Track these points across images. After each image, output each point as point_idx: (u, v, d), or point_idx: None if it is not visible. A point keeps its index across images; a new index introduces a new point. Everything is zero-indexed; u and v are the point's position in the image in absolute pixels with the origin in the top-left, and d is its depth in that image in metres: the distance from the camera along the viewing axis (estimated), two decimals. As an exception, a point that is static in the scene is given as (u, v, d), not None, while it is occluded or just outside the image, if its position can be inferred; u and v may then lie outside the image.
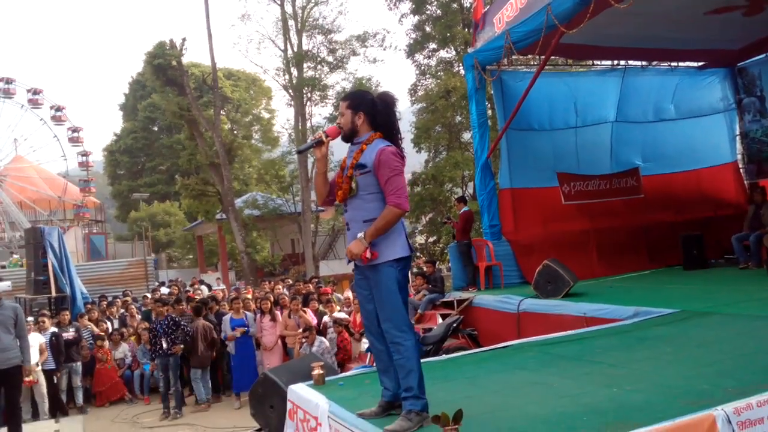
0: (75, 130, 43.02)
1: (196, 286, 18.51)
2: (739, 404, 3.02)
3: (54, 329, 9.88)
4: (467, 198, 14.66)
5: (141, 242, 26.29)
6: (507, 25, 9.66)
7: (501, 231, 10.70)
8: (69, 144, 42.92)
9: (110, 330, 11.43)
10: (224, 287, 20.24)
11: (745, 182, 12.80)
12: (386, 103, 3.43)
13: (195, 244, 35.10)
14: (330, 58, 24.27)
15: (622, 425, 2.95)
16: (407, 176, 22.25)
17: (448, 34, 21.86)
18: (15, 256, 27.63)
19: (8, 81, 41.27)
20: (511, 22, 9.55)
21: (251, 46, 35.59)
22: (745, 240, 9.36)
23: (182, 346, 9.31)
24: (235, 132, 31.13)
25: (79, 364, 9.95)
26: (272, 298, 10.36)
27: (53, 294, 13.26)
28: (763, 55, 12.13)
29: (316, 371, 4.47)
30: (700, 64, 12.59)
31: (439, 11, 22.71)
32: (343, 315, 9.95)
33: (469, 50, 12.24)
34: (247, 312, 9.95)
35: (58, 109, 42.69)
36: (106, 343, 10.77)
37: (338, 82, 24.85)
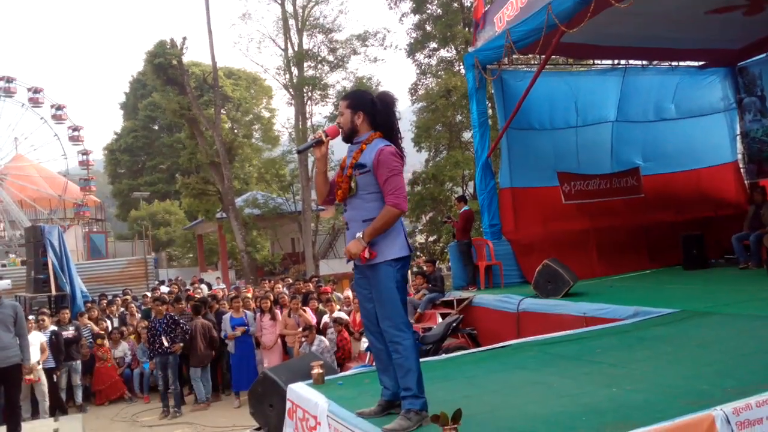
0: (75, 128, 43.06)
1: (196, 285, 18.52)
2: (738, 404, 3.02)
3: (54, 328, 9.88)
4: (467, 197, 14.65)
5: (141, 241, 26.31)
6: (507, 24, 9.66)
7: (501, 230, 10.70)
8: (69, 143, 43.00)
9: (110, 329, 11.44)
10: (224, 286, 20.25)
11: (746, 182, 12.80)
12: (386, 102, 3.43)
13: (195, 243, 35.12)
14: (330, 58, 24.28)
15: (621, 425, 2.95)
16: (408, 175, 22.36)
17: (449, 34, 21.84)
18: (12, 255, 27.59)
19: (9, 80, 41.31)
20: (512, 21, 9.55)
21: (252, 45, 35.71)
22: (745, 240, 9.35)
23: (182, 344, 9.31)
24: (236, 131, 31.13)
25: (78, 362, 9.95)
26: (272, 297, 10.36)
27: (53, 292, 13.27)
28: (763, 55, 12.12)
29: (316, 370, 4.47)
30: (701, 63, 12.59)
31: (439, 10, 22.70)
32: (342, 314, 9.94)
33: (470, 49, 12.24)
34: (246, 311, 9.95)
35: (59, 107, 42.72)
36: (106, 342, 10.77)
37: (339, 81, 24.87)
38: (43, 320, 9.86)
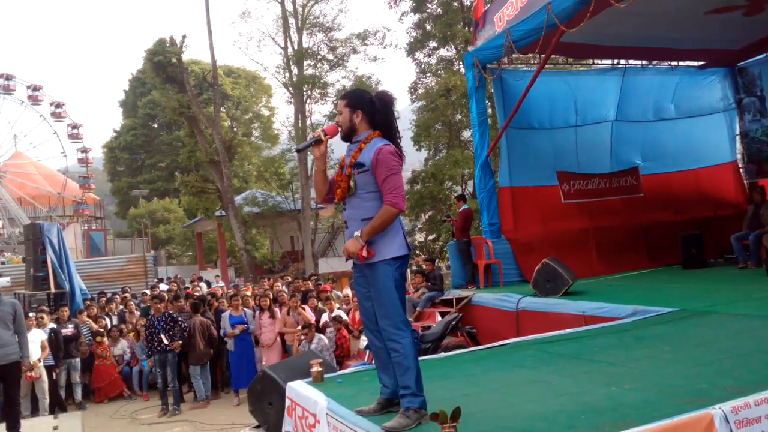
0: (75, 126, 43.06)
1: (196, 283, 18.51)
2: (737, 403, 3.02)
3: (53, 325, 9.88)
4: (467, 196, 14.67)
5: (140, 239, 26.29)
6: (507, 23, 9.66)
7: (500, 229, 10.71)
8: (69, 140, 43.04)
9: (109, 326, 11.44)
10: (223, 284, 20.24)
11: (745, 182, 12.81)
12: (384, 102, 3.43)
13: (194, 241, 35.11)
14: (330, 56, 24.28)
15: (620, 424, 2.95)
16: (407, 174, 22.38)
17: (449, 33, 21.85)
18: (8, 254, 27.52)
19: (8, 77, 41.30)
20: (512, 20, 9.55)
21: (251, 44, 35.47)
22: (744, 239, 9.36)
23: (180, 342, 9.32)
24: (235, 129, 31.17)
25: (78, 360, 9.96)
26: (271, 296, 10.36)
27: (52, 290, 13.26)
28: (763, 55, 12.13)
29: (315, 368, 4.47)
30: (701, 63, 12.59)
31: (439, 9, 22.70)
32: (341, 313, 9.95)
33: (470, 49, 12.24)
34: (246, 309, 9.96)
35: (58, 105, 42.72)
36: (105, 340, 10.78)
37: (338, 80, 24.87)
38: (42, 318, 9.86)
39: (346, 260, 3.45)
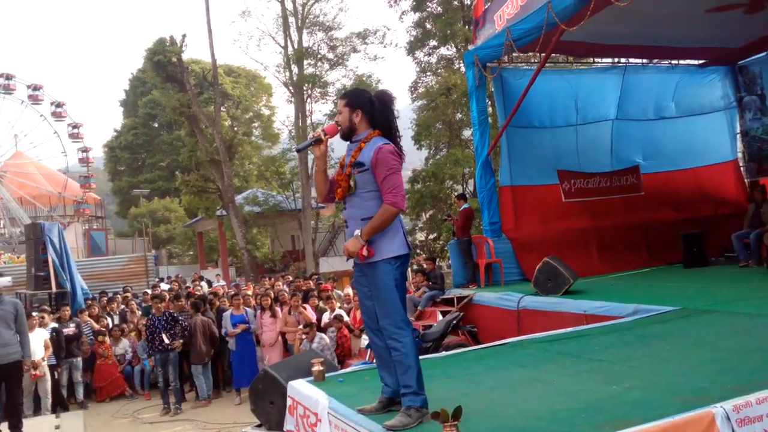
0: (75, 126, 43.07)
1: (197, 282, 18.53)
2: (738, 402, 3.02)
3: (54, 325, 9.90)
4: (467, 195, 14.66)
5: (141, 238, 26.29)
6: (507, 22, 9.65)
7: (501, 228, 10.71)
8: (69, 140, 43.04)
9: (110, 326, 11.45)
10: (224, 283, 20.26)
11: (746, 180, 12.81)
12: (384, 101, 3.43)
13: (195, 240, 35.12)
14: (330, 55, 24.27)
15: (621, 423, 2.94)
16: (407, 173, 22.37)
17: (449, 32, 21.83)
18: (9, 254, 27.48)
19: (8, 77, 41.31)
20: (512, 19, 9.54)
21: (251, 43, 35.70)
22: (745, 238, 9.35)
23: (182, 341, 9.33)
24: (236, 128, 31.15)
25: (79, 359, 9.98)
26: (272, 295, 10.37)
27: (54, 290, 13.28)
28: (764, 54, 12.12)
29: (316, 367, 4.48)
30: (701, 62, 12.58)
31: (439, 8, 22.68)
32: (342, 312, 9.96)
33: (470, 47, 12.23)
34: (247, 308, 9.97)
35: (59, 105, 42.73)
36: (107, 339, 10.79)
37: (339, 79, 24.87)
38: (44, 317, 9.88)
39: (347, 259, 3.46)
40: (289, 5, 23.63)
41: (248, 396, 5.35)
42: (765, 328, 5.00)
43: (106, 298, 13.61)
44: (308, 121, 24.18)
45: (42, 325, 9.67)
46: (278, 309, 9.99)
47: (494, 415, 3.36)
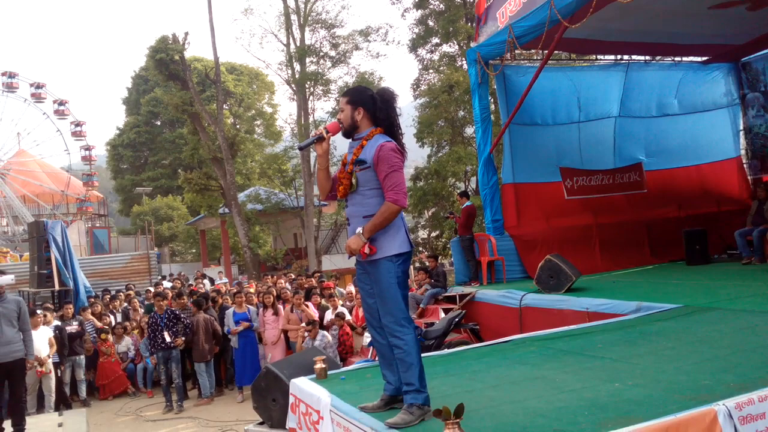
0: (78, 124, 43.07)
1: (199, 280, 18.55)
2: (740, 399, 3.02)
3: (57, 323, 9.92)
4: (470, 193, 14.64)
5: (144, 236, 26.31)
6: (510, 19, 9.63)
7: (504, 226, 10.70)
8: (72, 138, 43.02)
9: (113, 324, 11.47)
10: (226, 281, 20.28)
11: (749, 177, 12.79)
12: (386, 98, 3.43)
13: (198, 238, 35.18)
14: (332, 53, 24.29)
15: (623, 420, 2.94)
16: (410, 171, 22.37)
17: (451, 29, 21.82)
18: (12, 252, 27.52)
19: (11, 75, 41.33)
20: (514, 16, 9.53)
21: (254, 41, 35.73)
22: (748, 235, 9.34)
23: (184, 339, 9.34)
24: (238, 126, 31.16)
25: (82, 357, 10.01)
26: (275, 293, 10.38)
27: (56, 287, 13.31)
28: (767, 50, 12.08)
29: (319, 365, 4.48)
30: (704, 58, 12.55)
31: (442, 6, 22.68)
32: (344, 310, 9.97)
33: (472, 45, 12.20)
34: (249, 306, 9.98)
35: (61, 103, 42.74)
36: (110, 337, 10.81)
37: (341, 76, 24.91)
38: (47, 315, 9.90)
39: (349, 257, 3.45)
40: (291, 3, 23.70)
41: (251, 393, 5.36)
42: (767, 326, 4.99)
43: (108, 296, 13.65)
44: (310, 119, 24.20)
45: (45, 323, 9.71)
46: (281, 307, 10.00)
47: (496, 412, 3.36)
